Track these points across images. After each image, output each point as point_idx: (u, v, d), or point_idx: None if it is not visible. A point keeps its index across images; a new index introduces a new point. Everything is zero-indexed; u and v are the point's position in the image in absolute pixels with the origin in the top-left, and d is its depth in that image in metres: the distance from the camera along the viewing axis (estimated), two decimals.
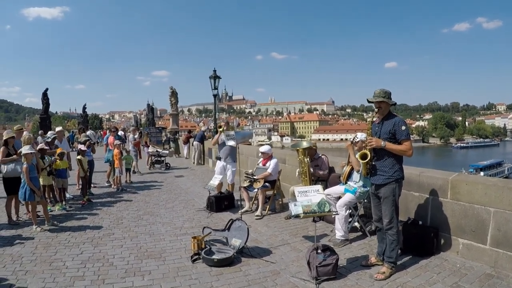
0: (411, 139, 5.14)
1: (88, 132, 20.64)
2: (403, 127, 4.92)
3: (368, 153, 5.10)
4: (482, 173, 49.14)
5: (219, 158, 9.83)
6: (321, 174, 8.05)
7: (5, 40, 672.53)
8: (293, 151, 9.65)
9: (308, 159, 7.92)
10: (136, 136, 18.18)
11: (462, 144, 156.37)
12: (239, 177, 8.99)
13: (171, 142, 26.99)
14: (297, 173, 8.21)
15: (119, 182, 12.07)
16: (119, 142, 12.73)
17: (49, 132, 10.91)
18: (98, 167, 15.48)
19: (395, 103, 5.12)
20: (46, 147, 9.14)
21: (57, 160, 9.24)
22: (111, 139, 13.33)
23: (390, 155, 4.99)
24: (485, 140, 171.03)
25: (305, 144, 8.20)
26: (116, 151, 12.15)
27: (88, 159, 10.69)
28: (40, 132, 16.13)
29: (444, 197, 5.81)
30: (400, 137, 4.92)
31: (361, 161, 5.21)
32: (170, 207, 9.47)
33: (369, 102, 5.17)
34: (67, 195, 10.04)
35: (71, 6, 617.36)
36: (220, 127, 9.65)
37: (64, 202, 9.36)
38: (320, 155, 8.32)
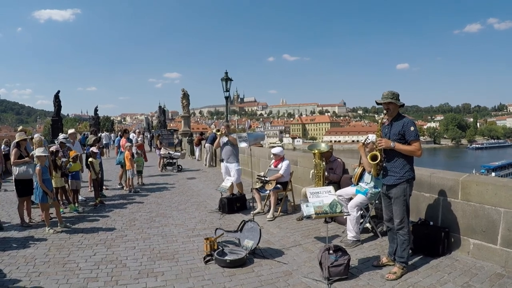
0: (422, 140, 5.15)
1: (103, 134, 20.74)
2: (412, 128, 4.94)
3: (378, 154, 5.13)
4: (493, 174, 48.74)
5: (222, 160, 9.86)
6: (335, 178, 8.06)
7: (16, 42, 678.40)
8: (305, 153, 9.62)
9: (324, 163, 7.95)
10: (139, 139, 18.36)
11: (477, 145, 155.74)
12: (251, 179, 9.01)
13: (187, 144, 26.90)
14: (311, 174, 8.23)
15: (131, 184, 12.15)
16: (130, 144, 12.80)
17: (61, 135, 10.99)
18: (110, 170, 15.63)
19: (404, 104, 5.16)
20: (59, 149, 9.23)
21: (71, 162, 9.32)
22: (123, 141, 13.42)
23: (400, 156, 5.02)
24: (499, 141, 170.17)
25: (323, 146, 8.21)
26: (127, 153, 12.22)
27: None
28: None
29: (454, 198, 5.81)
30: (409, 137, 4.94)
31: (371, 162, 5.24)
32: (183, 209, 9.51)
33: (377, 104, 5.21)
34: (80, 197, 10.14)
35: (82, 8, 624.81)
36: (219, 130, 9.70)
37: (77, 204, 9.45)
38: (336, 158, 8.32)
